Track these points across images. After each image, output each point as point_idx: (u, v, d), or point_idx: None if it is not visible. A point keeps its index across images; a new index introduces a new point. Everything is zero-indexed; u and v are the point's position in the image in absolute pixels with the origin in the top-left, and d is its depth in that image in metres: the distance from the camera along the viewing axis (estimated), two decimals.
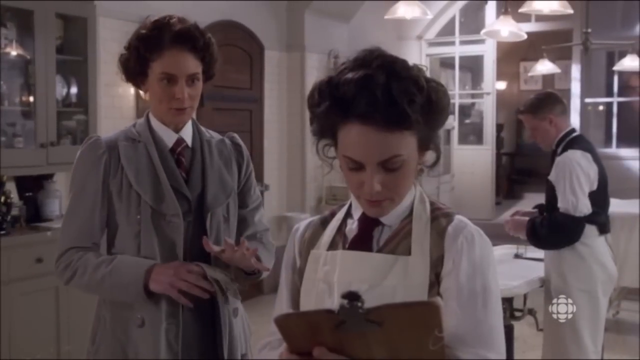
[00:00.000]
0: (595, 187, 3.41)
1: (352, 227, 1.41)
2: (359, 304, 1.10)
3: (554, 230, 3.38)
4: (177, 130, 2.04)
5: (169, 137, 2.03)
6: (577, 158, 3.39)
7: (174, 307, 1.94)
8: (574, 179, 3.34)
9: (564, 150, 3.46)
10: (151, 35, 1.94)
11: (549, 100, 3.56)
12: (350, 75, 1.26)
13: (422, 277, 1.30)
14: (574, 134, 3.54)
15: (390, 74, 1.24)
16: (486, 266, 1.32)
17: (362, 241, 1.38)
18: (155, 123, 2.03)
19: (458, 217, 1.37)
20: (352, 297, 1.10)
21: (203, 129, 2.14)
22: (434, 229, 1.35)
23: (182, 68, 1.93)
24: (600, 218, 3.47)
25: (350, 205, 1.45)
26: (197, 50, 1.95)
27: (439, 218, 1.37)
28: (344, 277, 1.34)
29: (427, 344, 1.14)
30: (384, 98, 1.22)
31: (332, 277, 1.36)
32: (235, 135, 2.20)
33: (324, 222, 1.47)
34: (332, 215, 1.48)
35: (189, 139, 2.06)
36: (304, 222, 1.52)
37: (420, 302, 1.17)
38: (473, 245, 1.32)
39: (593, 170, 3.41)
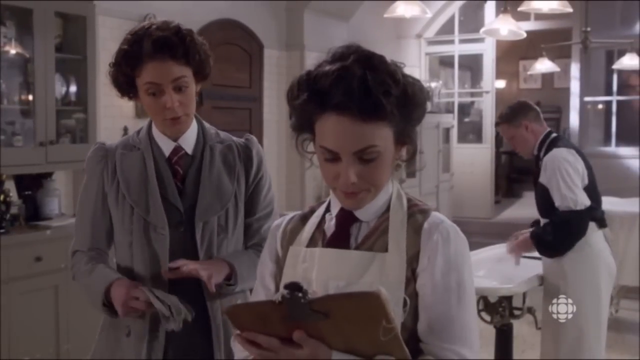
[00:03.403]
0: (586, 181, 3.44)
1: (331, 223, 1.42)
2: (300, 295, 1.13)
3: (560, 231, 3.38)
4: (175, 138, 1.98)
5: (166, 146, 1.98)
6: (564, 155, 3.42)
7: (157, 319, 1.90)
8: (566, 175, 3.36)
9: (547, 151, 3.49)
10: (130, 51, 1.86)
11: (522, 107, 3.63)
12: (327, 67, 1.29)
13: (399, 273, 1.32)
14: (553, 135, 3.58)
15: (366, 66, 1.27)
16: (461, 263, 1.34)
17: (340, 238, 1.39)
18: (156, 131, 1.99)
19: (434, 214, 1.38)
20: (293, 287, 1.14)
21: (214, 132, 2.06)
22: (410, 225, 1.36)
23: (164, 76, 1.85)
24: (597, 213, 3.49)
25: (329, 202, 1.46)
26: (178, 57, 1.86)
27: (416, 214, 1.38)
28: (322, 274, 1.35)
29: (378, 336, 1.15)
30: (359, 89, 1.25)
31: (311, 274, 1.37)
32: (251, 138, 2.10)
33: (304, 219, 1.48)
34: (312, 212, 1.49)
35: (189, 147, 1.99)
36: (284, 217, 1.53)
37: (360, 293, 1.18)
38: (448, 241, 1.33)
39: (580, 165, 3.44)
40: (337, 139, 1.29)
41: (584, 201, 3.36)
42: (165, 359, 1.93)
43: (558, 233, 3.39)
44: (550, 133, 3.58)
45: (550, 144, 3.52)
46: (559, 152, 3.43)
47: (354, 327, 1.16)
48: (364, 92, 1.25)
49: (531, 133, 3.56)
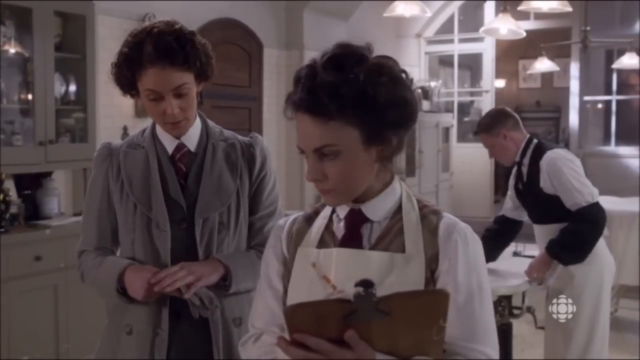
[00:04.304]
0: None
1: (340, 225, 1.41)
2: (374, 291, 1.12)
3: (589, 226, 3.35)
4: (178, 135, 1.98)
5: (169, 143, 1.98)
6: (563, 154, 3.42)
7: (161, 317, 1.91)
8: (574, 172, 3.36)
9: (535, 156, 3.47)
10: (131, 54, 1.86)
11: (500, 116, 3.58)
12: (303, 65, 1.33)
13: (419, 274, 1.32)
14: (535, 141, 3.54)
15: (327, 66, 1.29)
16: (480, 263, 1.36)
17: (352, 239, 1.38)
18: (159, 129, 2.00)
19: (446, 214, 1.39)
20: (367, 284, 1.12)
21: (218, 130, 2.06)
22: (425, 226, 1.36)
23: (165, 85, 1.84)
24: None
25: None
26: (178, 63, 1.84)
27: (429, 215, 1.37)
28: (340, 275, 1.34)
29: (431, 335, 1.16)
30: (308, 88, 1.28)
31: (328, 276, 1.35)
32: (256, 136, 2.10)
33: (309, 220, 1.47)
34: (316, 213, 1.48)
35: (192, 144, 1.99)
36: (287, 218, 1.53)
37: (430, 291, 1.20)
38: (467, 243, 1.34)
39: (578, 162, 3.46)
40: (300, 136, 1.32)
41: (597, 193, 3.38)
42: (168, 358, 1.93)
43: (587, 230, 3.35)
44: (531, 139, 3.55)
45: (536, 148, 3.49)
46: (557, 154, 3.42)
47: (409, 326, 1.15)
48: (309, 92, 1.27)
49: (510, 141, 3.52)
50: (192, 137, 2.00)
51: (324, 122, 1.28)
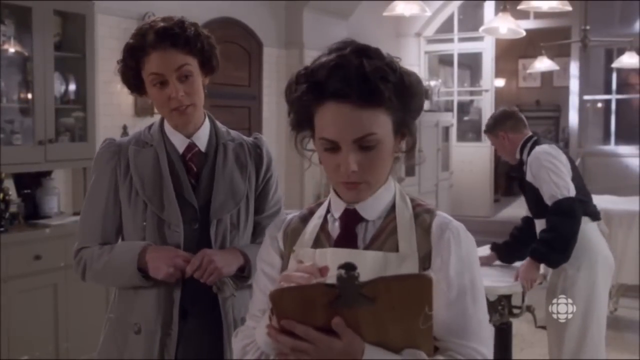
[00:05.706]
0: (571, 174, 3.48)
1: (335, 225, 1.41)
2: (356, 274, 1.12)
3: (567, 220, 3.37)
4: (189, 135, 1.98)
5: (180, 143, 1.98)
6: (545, 149, 3.51)
7: (170, 316, 1.91)
8: (552, 167, 3.43)
9: (530, 154, 3.57)
10: (135, 44, 1.88)
11: (500, 117, 3.77)
12: (324, 59, 1.30)
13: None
14: (534, 138, 3.66)
15: (363, 55, 1.28)
16: (473, 261, 1.35)
17: (347, 239, 1.38)
18: (168, 127, 1.99)
19: (440, 213, 1.39)
20: (348, 267, 1.13)
21: (224, 130, 2.07)
22: (418, 225, 1.36)
23: (167, 66, 1.86)
24: (589, 206, 3.55)
25: (329, 203, 1.45)
26: (180, 45, 1.86)
27: (422, 214, 1.38)
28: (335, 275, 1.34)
29: (418, 323, 1.16)
30: (357, 75, 1.26)
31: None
32: (260, 137, 2.12)
33: (304, 220, 1.47)
34: (311, 213, 1.47)
35: (202, 144, 2.00)
36: (284, 218, 1.52)
37: (414, 275, 1.20)
38: (459, 241, 1.34)
39: (563, 157, 3.52)
40: (336, 127, 1.28)
41: (572, 189, 3.41)
42: (176, 358, 1.92)
43: (563, 223, 3.37)
44: (531, 137, 3.66)
45: (532, 146, 3.59)
46: (541, 149, 3.52)
47: (395, 314, 1.15)
48: (362, 78, 1.26)
49: (508, 142, 3.69)
50: (202, 137, 2.00)
51: (370, 109, 1.27)
